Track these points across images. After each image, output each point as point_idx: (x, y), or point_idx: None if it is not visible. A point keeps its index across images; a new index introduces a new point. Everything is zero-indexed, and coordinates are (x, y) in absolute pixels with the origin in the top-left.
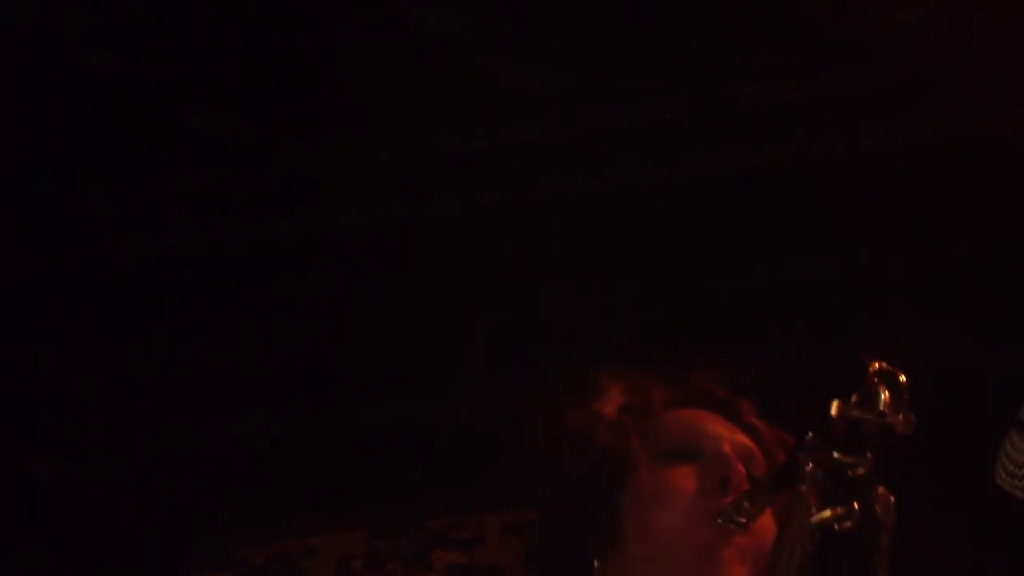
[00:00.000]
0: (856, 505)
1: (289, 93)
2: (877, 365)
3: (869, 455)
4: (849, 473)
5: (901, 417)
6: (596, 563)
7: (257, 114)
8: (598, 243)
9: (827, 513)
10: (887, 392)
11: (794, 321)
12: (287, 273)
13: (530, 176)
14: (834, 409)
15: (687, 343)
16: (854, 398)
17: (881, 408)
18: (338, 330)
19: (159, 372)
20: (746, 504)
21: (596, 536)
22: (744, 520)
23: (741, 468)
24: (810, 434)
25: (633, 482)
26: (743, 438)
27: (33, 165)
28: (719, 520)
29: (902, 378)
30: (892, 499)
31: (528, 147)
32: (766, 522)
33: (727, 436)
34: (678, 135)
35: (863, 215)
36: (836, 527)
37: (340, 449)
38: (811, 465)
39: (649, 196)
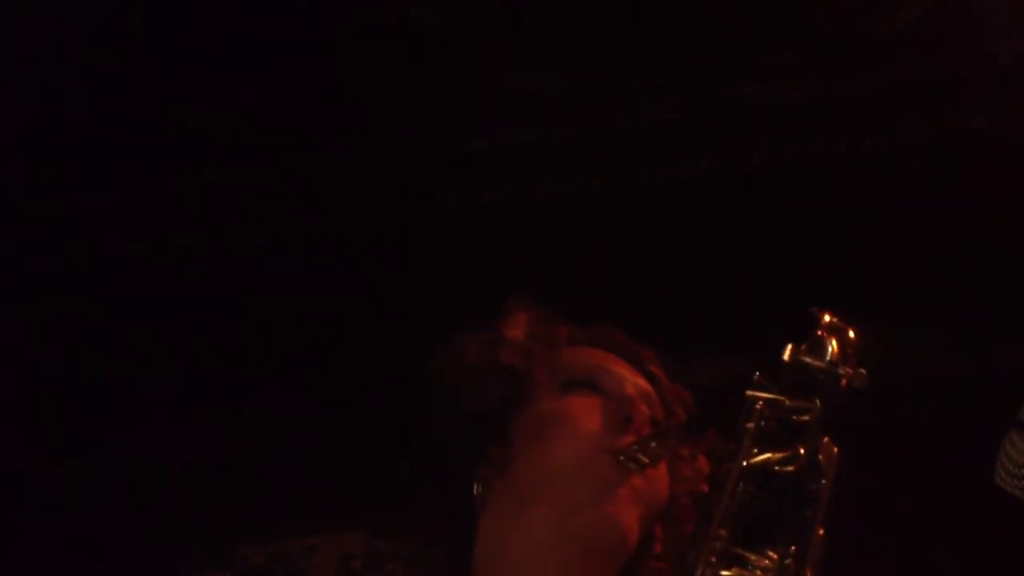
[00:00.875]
0: (800, 450)
1: (289, 93)
2: (827, 318)
3: (817, 403)
4: (795, 418)
5: (850, 369)
6: (478, 488)
7: (257, 114)
8: (598, 243)
9: (770, 455)
10: (836, 344)
11: (794, 321)
12: (287, 273)
13: (530, 176)
14: (786, 354)
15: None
16: (804, 346)
17: (829, 357)
18: (338, 330)
19: (159, 372)
20: (653, 445)
21: (483, 459)
22: (647, 461)
23: (645, 410)
24: (758, 374)
25: (532, 407)
26: (645, 384)
27: (34, 165)
28: (620, 458)
29: (851, 334)
30: (835, 449)
31: (528, 147)
32: (660, 470)
33: (630, 378)
34: (678, 135)
35: (863, 215)
36: (777, 469)
37: (340, 449)
38: (760, 404)
39: (649, 196)
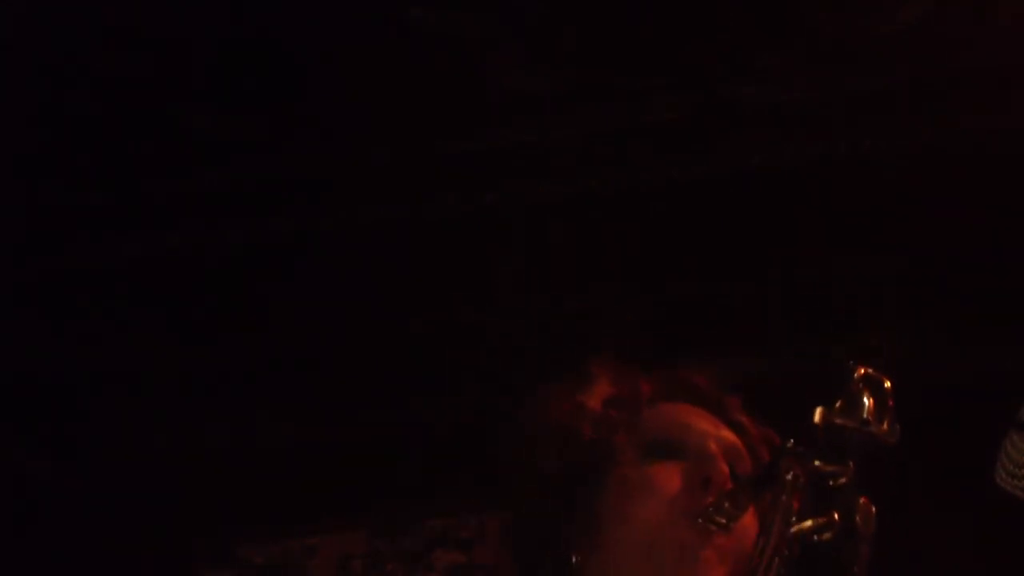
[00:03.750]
0: (836, 515)
1: (289, 93)
2: (862, 371)
3: (851, 464)
4: (830, 482)
5: (885, 426)
6: (574, 558)
7: (257, 114)
8: (598, 243)
9: (807, 523)
10: (871, 399)
11: (794, 321)
12: (287, 273)
13: (530, 176)
14: (817, 416)
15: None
16: (838, 405)
17: (865, 416)
18: (338, 330)
19: (159, 372)
20: (727, 505)
21: (575, 531)
22: (724, 521)
23: (725, 468)
24: (791, 441)
25: (615, 476)
26: (729, 435)
27: (33, 165)
28: (699, 520)
29: (887, 384)
30: (873, 510)
31: (528, 147)
32: (747, 523)
33: (713, 433)
34: (678, 135)
35: (863, 215)
36: (816, 538)
37: (340, 449)
38: (792, 473)
39: (649, 196)
